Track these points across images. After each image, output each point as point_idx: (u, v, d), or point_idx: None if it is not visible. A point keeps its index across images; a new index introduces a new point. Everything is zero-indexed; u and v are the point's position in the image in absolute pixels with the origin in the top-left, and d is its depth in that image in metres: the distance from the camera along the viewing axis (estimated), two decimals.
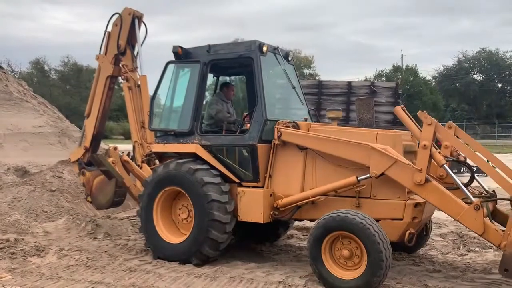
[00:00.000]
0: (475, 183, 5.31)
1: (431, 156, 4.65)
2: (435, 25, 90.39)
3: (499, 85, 55.46)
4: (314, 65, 59.71)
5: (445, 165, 4.67)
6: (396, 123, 18.60)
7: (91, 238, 7.22)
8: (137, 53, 7.63)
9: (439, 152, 4.69)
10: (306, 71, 63.98)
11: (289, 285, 4.90)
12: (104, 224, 7.82)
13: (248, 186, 5.77)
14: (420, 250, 6.44)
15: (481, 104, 53.64)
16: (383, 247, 4.51)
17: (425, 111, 4.96)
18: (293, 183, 5.59)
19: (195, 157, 5.87)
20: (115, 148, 7.15)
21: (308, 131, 5.58)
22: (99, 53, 7.77)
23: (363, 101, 5.94)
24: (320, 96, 18.32)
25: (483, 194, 5.21)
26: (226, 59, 6.06)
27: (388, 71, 42.77)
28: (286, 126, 5.59)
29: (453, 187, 4.85)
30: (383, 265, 4.50)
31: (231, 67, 6.68)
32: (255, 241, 6.83)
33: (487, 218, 4.49)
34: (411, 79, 39.41)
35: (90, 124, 7.87)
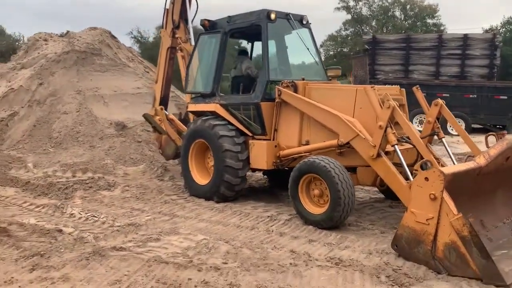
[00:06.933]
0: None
1: (385, 135, 5.21)
2: None
3: None
4: (439, 14, 55.23)
5: (395, 146, 5.14)
6: (493, 77, 17.37)
7: (158, 179, 8.92)
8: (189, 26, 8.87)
9: (394, 133, 5.16)
10: (429, 21, 59.32)
11: (274, 219, 5.92)
12: (172, 170, 9.51)
13: (260, 139, 6.79)
14: None
15: None
16: (341, 187, 5.25)
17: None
18: (293, 136, 6.46)
19: (217, 115, 7.03)
20: (162, 108, 8.61)
21: (304, 89, 6.34)
22: (162, 28, 9.20)
23: (357, 59, 6.33)
24: (408, 51, 17.86)
25: None
26: (241, 28, 6.99)
27: None
28: (286, 86, 6.41)
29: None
30: (341, 202, 5.24)
31: (251, 34, 7.53)
32: (282, 188, 7.86)
33: None
34: None
35: (158, 89, 9.44)
